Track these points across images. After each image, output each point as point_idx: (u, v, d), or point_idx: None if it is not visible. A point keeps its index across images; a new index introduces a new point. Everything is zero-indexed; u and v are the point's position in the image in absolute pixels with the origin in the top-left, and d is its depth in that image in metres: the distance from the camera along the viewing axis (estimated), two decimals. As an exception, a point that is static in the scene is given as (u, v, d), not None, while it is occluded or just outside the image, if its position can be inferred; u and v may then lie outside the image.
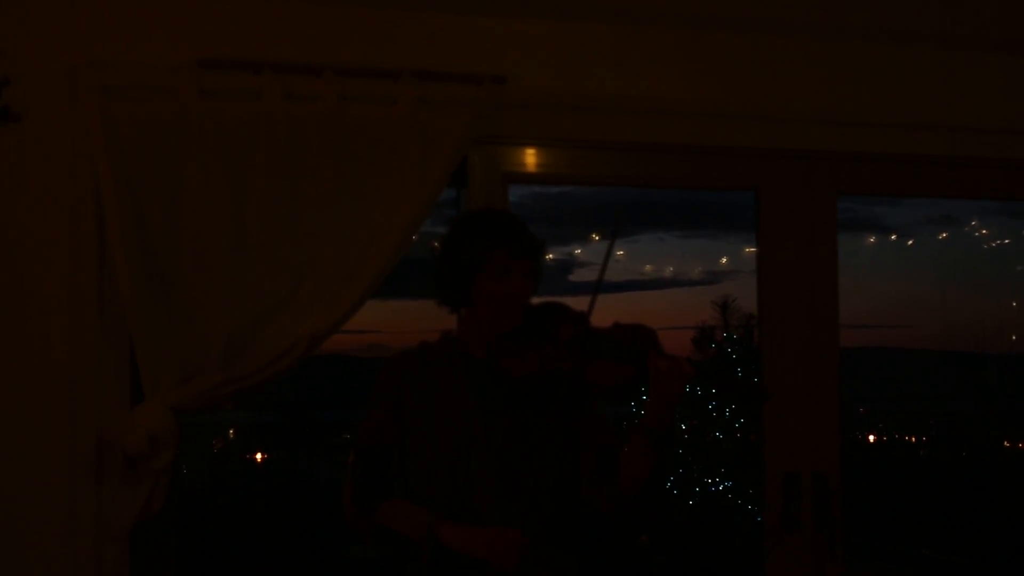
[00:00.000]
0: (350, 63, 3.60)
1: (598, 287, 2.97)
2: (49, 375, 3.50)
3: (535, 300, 3.08)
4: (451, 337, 3.14)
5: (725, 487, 9.95)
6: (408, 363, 3.09)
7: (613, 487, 3.00)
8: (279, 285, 3.49)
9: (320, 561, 9.55)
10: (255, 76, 3.50)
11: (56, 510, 3.48)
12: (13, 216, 3.50)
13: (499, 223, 3.06)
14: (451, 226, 3.12)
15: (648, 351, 2.87)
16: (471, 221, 3.10)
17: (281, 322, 3.47)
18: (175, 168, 3.46)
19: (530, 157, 3.94)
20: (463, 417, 2.96)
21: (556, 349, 2.93)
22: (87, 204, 3.48)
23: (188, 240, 3.45)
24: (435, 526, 2.83)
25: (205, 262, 3.45)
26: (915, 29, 4.13)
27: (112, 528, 3.43)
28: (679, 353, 2.89)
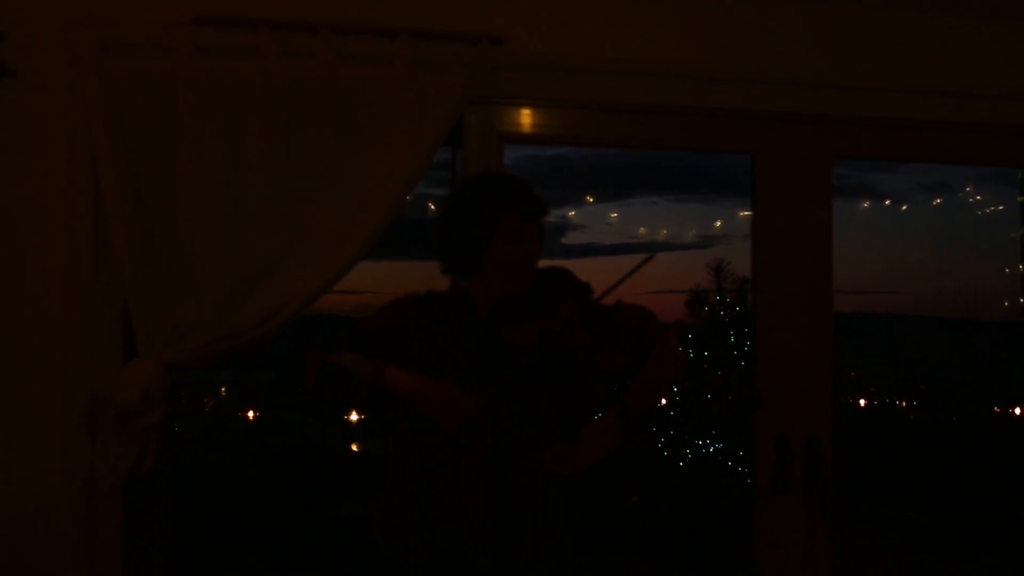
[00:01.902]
0: (347, 22, 3.58)
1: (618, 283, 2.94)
2: (44, 331, 3.51)
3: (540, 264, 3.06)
4: (461, 291, 3.10)
5: (716, 449, 9.99)
6: (418, 307, 3.06)
7: (570, 451, 3.02)
8: (273, 243, 3.49)
9: (311, 518, 9.58)
10: (251, 34, 3.49)
11: (49, 466, 3.49)
12: (7, 173, 3.49)
13: (508, 184, 3.03)
14: (456, 190, 3.09)
15: (650, 340, 2.80)
16: (478, 183, 3.06)
17: (274, 280, 3.47)
18: (170, 125, 3.45)
19: (526, 118, 3.94)
20: (461, 374, 2.92)
21: (557, 323, 2.90)
22: (82, 161, 3.47)
23: (183, 198, 3.44)
24: (384, 363, 2.80)
25: (199, 219, 3.44)
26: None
27: (105, 484, 3.45)
28: (671, 318, 2.87)
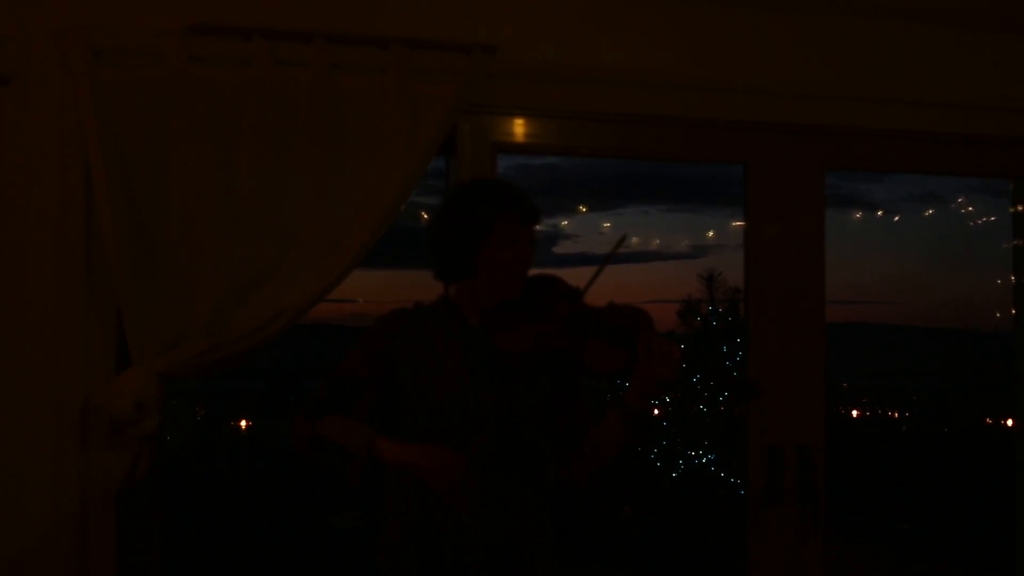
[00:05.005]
0: (340, 31, 3.58)
1: (600, 270, 2.96)
2: (36, 340, 3.50)
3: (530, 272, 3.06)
4: (448, 301, 3.10)
5: (708, 460, 9.99)
6: (404, 322, 3.06)
7: (576, 460, 3.02)
8: (266, 252, 3.49)
9: (303, 529, 9.56)
10: (245, 42, 3.49)
11: (42, 474, 3.48)
12: (0, 181, 3.49)
13: (504, 188, 3.02)
14: (451, 194, 3.08)
15: (640, 335, 2.84)
16: (474, 187, 3.06)
17: (268, 289, 3.47)
18: (164, 134, 3.44)
19: (519, 127, 3.94)
20: (454, 384, 2.95)
21: (551, 326, 2.91)
22: (75, 169, 3.47)
23: (176, 206, 3.44)
24: (371, 437, 2.79)
25: (192, 228, 3.44)
26: (905, 5, 4.12)
27: (97, 493, 3.44)
28: (664, 327, 2.88)
